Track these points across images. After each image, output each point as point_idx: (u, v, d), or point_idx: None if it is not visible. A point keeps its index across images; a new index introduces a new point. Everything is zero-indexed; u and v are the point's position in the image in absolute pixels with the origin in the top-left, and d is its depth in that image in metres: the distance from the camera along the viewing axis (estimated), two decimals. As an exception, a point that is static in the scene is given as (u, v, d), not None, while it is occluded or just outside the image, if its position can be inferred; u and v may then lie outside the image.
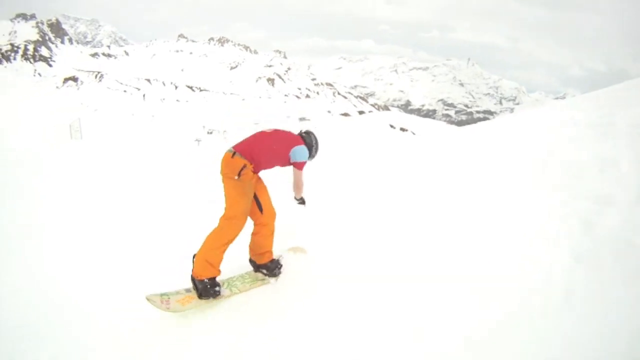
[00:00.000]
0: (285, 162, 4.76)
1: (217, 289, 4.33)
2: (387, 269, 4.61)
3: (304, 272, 4.93)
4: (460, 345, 3.32)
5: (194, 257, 4.28)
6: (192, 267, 4.28)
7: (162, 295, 4.23)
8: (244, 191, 4.41)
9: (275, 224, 4.87)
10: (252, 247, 4.83)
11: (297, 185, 4.91)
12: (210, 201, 6.56)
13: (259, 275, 4.83)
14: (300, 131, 5.07)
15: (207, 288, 4.29)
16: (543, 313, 3.38)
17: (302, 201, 5.16)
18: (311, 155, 4.97)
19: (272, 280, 4.77)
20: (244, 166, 4.34)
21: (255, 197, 4.66)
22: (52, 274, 5.81)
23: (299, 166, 4.78)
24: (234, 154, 4.38)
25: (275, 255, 4.94)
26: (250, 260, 4.91)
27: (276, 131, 4.86)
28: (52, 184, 12.05)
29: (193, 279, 4.28)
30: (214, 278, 4.34)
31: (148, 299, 4.11)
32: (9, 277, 5.79)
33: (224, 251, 4.33)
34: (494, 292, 3.76)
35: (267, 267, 4.81)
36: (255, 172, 4.53)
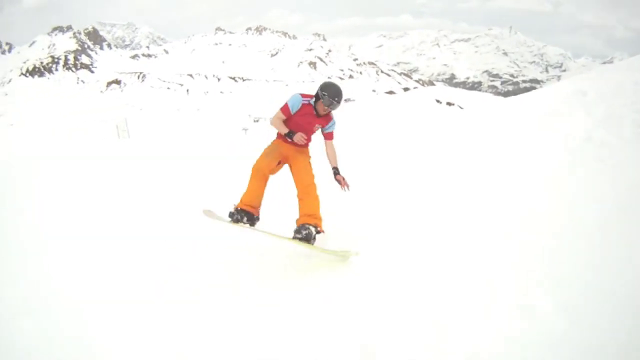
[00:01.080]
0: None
1: (245, 219, 5.01)
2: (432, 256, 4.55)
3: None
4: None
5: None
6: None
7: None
8: (265, 151, 5.09)
9: (311, 195, 5.01)
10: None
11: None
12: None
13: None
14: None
15: (237, 216, 5.01)
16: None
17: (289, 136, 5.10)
18: (325, 102, 4.82)
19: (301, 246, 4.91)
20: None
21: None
22: (112, 262, 5.29)
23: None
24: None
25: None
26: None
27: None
28: (99, 182, 10.98)
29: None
30: (250, 213, 5.04)
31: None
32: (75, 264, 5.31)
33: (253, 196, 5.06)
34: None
35: (301, 228, 4.84)
36: (282, 139, 5.10)
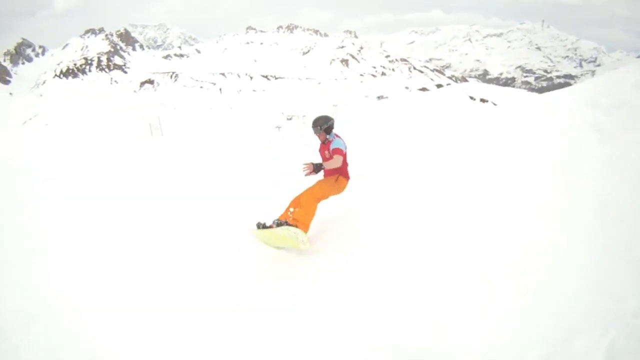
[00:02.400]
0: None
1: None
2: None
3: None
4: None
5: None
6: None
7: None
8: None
9: (304, 206, 6.43)
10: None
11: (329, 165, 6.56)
12: (295, 182, 7.63)
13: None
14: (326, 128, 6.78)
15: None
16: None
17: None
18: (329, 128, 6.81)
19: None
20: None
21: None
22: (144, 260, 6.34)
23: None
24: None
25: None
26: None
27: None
28: (133, 177, 12.54)
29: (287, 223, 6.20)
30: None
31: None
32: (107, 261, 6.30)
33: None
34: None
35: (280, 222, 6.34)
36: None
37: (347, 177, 6.75)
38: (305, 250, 6.06)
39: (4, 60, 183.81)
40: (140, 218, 8.48)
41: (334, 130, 6.86)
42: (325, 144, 6.71)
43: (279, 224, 6.20)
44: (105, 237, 7.37)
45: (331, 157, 6.53)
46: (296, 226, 6.04)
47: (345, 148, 6.64)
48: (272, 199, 7.85)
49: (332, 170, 6.54)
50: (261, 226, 6.40)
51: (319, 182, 6.65)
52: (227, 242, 6.91)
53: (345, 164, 6.68)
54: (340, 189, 6.71)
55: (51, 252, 6.85)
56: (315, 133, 6.66)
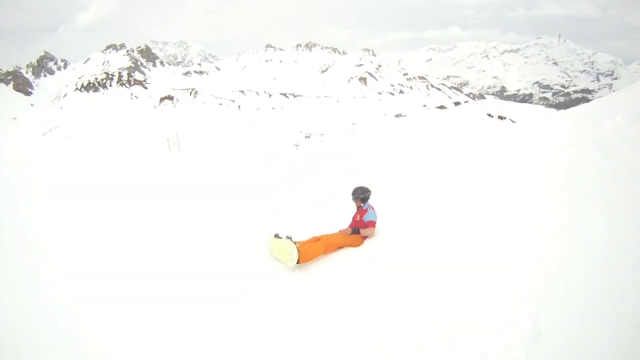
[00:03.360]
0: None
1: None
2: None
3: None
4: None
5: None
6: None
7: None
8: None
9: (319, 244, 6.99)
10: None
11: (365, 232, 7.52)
12: (314, 205, 9.03)
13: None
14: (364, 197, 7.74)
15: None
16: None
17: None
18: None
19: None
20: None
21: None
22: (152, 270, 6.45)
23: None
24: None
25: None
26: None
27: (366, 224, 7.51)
28: (144, 185, 12.80)
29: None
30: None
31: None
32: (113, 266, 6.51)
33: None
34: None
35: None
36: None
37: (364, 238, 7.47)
38: (291, 267, 6.51)
39: (27, 73, 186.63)
40: (145, 222, 8.85)
41: (369, 201, 7.77)
42: (358, 210, 7.71)
43: (288, 237, 6.86)
44: (111, 239, 7.68)
45: (362, 222, 7.50)
46: (297, 248, 6.51)
47: (376, 218, 7.54)
48: (285, 216, 8.75)
49: (363, 236, 7.41)
50: (276, 235, 7.15)
51: (343, 233, 7.35)
52: (235, 249, 7.32)
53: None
54: (357, 243, 7.31)
55: (52, 254, 7.08)
56: (353, 199, 7.76)
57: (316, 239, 7.07)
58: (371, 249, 6.97)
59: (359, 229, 7.42)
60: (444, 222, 7.18)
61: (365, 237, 7.39)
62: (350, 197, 7.77)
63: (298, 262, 6.49)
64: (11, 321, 4.90)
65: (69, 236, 7.95)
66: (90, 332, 4.79)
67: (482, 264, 5.32)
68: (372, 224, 7.39)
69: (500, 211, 7.00)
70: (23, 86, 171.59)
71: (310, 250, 6.69)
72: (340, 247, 7.17)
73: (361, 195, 7.65)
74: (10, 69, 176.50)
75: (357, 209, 7.75)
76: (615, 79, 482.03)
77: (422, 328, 4.33)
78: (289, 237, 6.88)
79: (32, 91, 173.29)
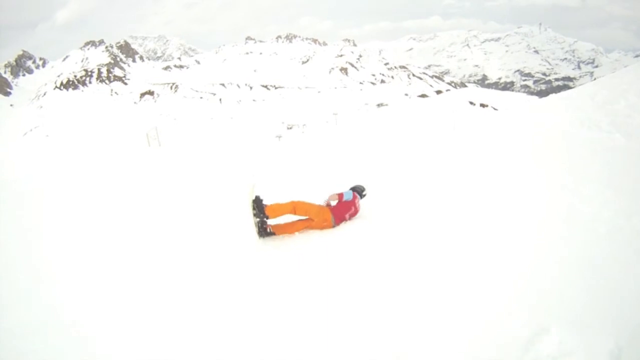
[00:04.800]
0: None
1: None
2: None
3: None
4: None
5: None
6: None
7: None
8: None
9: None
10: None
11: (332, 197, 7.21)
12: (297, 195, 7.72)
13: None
14: (354, 187, 7.53)
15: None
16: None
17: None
18: (362, 196, 7.56)
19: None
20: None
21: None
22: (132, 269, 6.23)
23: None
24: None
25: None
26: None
27: (353, 212, 7.24)
28: (124, 187, 12.46)
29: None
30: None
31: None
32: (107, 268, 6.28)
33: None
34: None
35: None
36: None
37: (336, 218, 7.00)
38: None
39: (5, 72, 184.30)
40: (136, 224, 8.47)
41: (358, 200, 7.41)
42: (357, 211, 7.33)
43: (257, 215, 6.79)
44: (103, 241, 7.41)
45: (341, 201, 7.14)
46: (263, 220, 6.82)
47: (350, 198, 7.16)
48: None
49: (339, 205, 7.06)
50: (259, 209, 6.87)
51: (318, 205, 7.04)
52: (222, 245, 6.85)
53: (342, 211, 7.07)
54: (327, 223, 6.93)
55: (53, 256, 6.89)
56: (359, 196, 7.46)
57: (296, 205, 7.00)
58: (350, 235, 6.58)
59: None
60: (433, 213, 6.71)
61: (338, 215, 7.02)
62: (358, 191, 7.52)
63: (265, 215, 6.77)
64: (11, 321, 4.85)
65: (46, 239, 7.77)
66: (83, 333, 4.67)
67: (474, 257, 4.97)
68: (341, 196, 7.10)
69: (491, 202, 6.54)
70: (1, 86, 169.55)
71: (276, 207, 6.87)
72: (310, 222, 6.95)
73: (362, 192, 7.59)
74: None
75: (357, 210, 7.43)
76: (597, 67, 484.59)
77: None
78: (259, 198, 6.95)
79: (11, 91, 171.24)
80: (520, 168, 7.53)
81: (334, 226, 6.96)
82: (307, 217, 6.96)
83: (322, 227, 6.94)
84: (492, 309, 3.91)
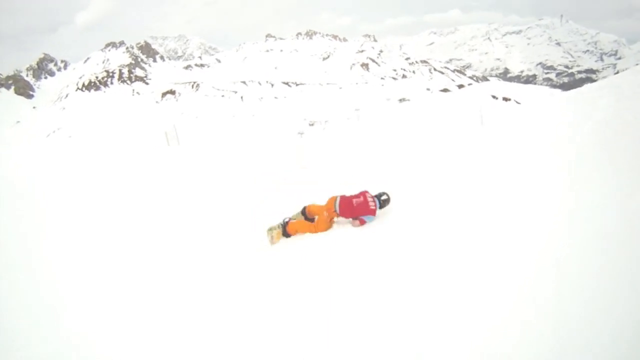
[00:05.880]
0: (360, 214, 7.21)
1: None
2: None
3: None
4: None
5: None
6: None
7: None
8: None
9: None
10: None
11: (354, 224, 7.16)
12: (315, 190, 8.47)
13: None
14: (379, 195, 7.42)
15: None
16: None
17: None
18: (382, 207, 7.40)
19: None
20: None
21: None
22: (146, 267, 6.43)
23: (362, 222, 7.08)
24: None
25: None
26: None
27: (362, 201, 7.22)
28: (139, 184, 12.57)
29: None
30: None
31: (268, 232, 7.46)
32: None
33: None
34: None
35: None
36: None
37: (339, 214, 7.34)
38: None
39: (27, 75, 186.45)
40: (143, 223, 8.84)
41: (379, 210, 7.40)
42: (368, 205, 7.25)
43: (282, 225, 7.56)
44: (107, 241, 7.72)
45: (358, 213, 7.25)
46: (284, 229, 7.48)
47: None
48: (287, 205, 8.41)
49: (359, 212, 7.22)
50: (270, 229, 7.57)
51: (327, 210, 7.44)
52: (233, 246, 7.28)
53: (348, 210, 7.21)
54: (323, 223, 7.28)
55: (54, 258, 7.12)
56: (379, 202, 7.44)
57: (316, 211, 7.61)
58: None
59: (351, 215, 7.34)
60: (452, 214, 6.47)
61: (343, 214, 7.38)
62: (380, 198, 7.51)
63: (286, 234, 7.47)
64: (11, 321, 4.96)
65: (69, 240, 7.98)
66: (91, 334, 4.76)
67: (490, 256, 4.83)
68: (363, 221, 7.14)
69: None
70: (24, 89, 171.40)
71: (299, 226, 7.43)
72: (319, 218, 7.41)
73: (385, 203, 7.59)
74: (11, 73, 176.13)
75: (367, 205, 7.30)
76: (619, 58, 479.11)
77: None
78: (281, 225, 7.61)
79: (34, 94, 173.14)
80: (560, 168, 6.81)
81: (337, 215, 7.33)
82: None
83: (329, 219, 7.37)
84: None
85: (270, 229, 7.45)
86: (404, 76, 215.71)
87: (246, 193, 10.48)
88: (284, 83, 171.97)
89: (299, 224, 7.39)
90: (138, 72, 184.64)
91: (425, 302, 4.21)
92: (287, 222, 7.51)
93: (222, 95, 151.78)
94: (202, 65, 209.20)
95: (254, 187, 11.13)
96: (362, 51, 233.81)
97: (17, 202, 11.64)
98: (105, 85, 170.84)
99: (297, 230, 7.38)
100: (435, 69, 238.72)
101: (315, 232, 7.16)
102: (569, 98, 12.07)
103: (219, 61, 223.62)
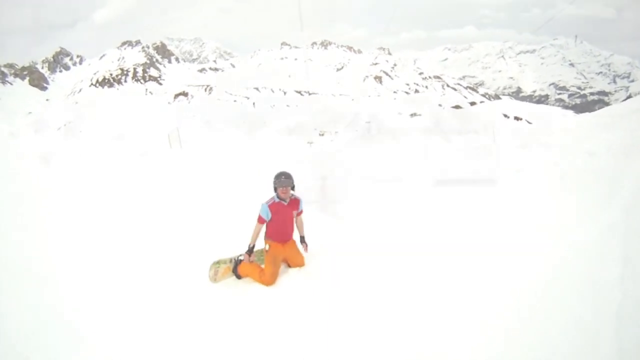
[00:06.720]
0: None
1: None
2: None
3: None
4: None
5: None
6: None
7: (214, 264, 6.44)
8: (268, 261, 6.24)
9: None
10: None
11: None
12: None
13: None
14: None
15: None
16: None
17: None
18: (278, 185, 6.24)
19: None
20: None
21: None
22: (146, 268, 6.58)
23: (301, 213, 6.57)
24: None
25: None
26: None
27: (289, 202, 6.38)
28: (129, 190, 12.43)
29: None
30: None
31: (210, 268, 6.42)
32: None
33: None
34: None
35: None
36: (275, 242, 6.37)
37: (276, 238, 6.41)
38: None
39: (42, 68, 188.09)
40: (142, 224, 8.86)
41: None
42: (290, 205, 6.37)
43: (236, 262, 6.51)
44: (100, 243, 7.69)
45: (299, 214, 6.60)
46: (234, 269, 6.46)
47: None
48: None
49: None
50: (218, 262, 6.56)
51: (298, 251, 6.59)
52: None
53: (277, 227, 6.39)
54: (300, 262, 6.49)
55: (54, 259, 7.07)
56: (285, 184, 6.23)
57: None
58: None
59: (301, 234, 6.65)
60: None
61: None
62: (276, 185, 6.26)
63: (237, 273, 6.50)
64: (11, 322, 4.92)
65: (69, 240, 7.98)
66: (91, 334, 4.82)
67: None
68: (301, 213, 6.59)
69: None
70: (39, 81, 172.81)
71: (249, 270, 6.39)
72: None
73: (292, 180, 6.29)
74: (26, 65, 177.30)
75: (288, 203, 6.34)
76: (632, 81, 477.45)
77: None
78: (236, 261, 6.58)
79: (48, 86, 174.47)
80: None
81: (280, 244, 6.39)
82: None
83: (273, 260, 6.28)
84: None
85: (217, 263, 6.43)
86: (416, 91, 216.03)
87: (243, 199, 10.15)
88: (296, 92, 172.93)
89: (250, 267, 6.32)
90: (152, 72, 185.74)
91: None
92: (240, 261, 6.44)
93: (235, 100, 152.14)
94: (216, 69, 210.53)
95: (251, 193, 10.31)
96: (376, 64, 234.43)
97: (17, 198, 11.63)
98: (119, 82, 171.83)
99: (247, 274, 6.34)
100: (448, 85, 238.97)
101: (261, 281, 6.11)
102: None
103: (233, 66, 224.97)
